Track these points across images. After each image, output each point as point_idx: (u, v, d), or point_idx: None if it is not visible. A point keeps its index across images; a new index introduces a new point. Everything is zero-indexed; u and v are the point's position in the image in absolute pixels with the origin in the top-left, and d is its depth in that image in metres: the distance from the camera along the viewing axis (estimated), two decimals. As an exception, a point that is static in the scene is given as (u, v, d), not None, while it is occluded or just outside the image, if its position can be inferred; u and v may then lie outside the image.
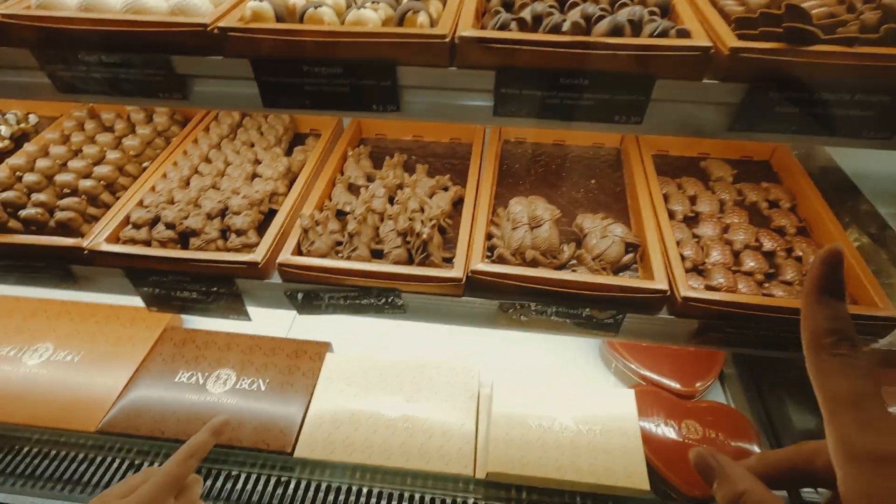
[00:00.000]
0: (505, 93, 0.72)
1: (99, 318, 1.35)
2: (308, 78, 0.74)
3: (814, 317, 0.36)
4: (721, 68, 0.65)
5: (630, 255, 0.93)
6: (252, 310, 1.01)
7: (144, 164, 1.16)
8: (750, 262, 0.93)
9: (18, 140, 1.26)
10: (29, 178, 1.03)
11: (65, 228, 0.96)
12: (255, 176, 1.11)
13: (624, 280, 0.86)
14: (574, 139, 1.26)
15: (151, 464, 1.15)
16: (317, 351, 1.26)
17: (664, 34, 0.67)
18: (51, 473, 1.13)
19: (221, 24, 0.71)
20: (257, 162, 1.14)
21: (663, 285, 0.84)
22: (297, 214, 1.01)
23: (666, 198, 1.06)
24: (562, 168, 1.19)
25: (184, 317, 1.43)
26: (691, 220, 1.04)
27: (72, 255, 0.94)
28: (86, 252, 0.93)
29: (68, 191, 1.04)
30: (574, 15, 0.70)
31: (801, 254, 0.94)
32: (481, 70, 0.71)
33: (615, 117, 0.72)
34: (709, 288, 0.88)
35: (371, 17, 0.72)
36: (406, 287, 0.89)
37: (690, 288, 0.84)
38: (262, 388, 1.18)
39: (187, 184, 1.09)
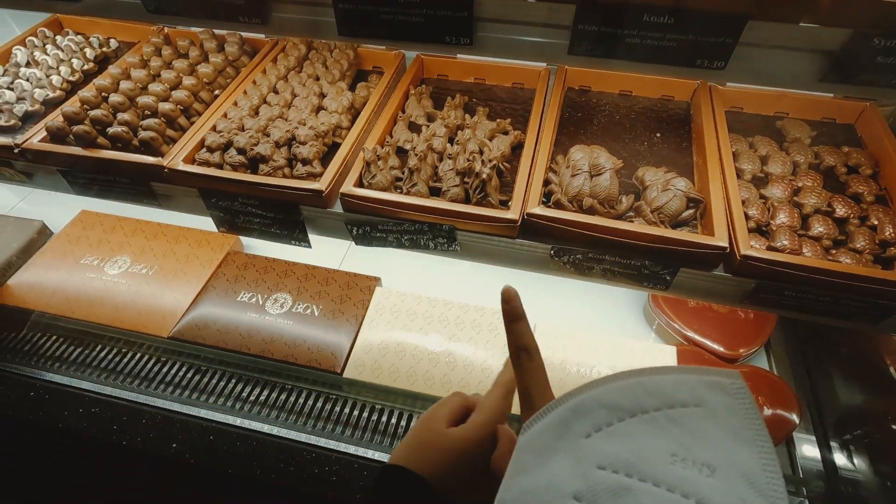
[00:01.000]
0: (583, 29, 0.70)
1: (169, 237, 1.45)
2: (384, 6, 0.74)
3: (508, 337, 0.55)
4: (825, 9, 0.61)
5: (691, 211, 0.91)
6: (311, 238, 1.06)
7: (216, 92, 1.20)
8: (819, 227, 0.90)
9: (101, 63, 1.33)
10: (114, 98, 1.10)
11: (147, 147, 1.03)
12: (320, 108, 1.13)
13: (682, 234, 0.85)
14: (642, 90, 1.21)
15: (215, 372, 1.27)
16: (367, 284, 1.32)
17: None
18: (129, 370, 1.27)
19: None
20: (322, 95, 1.17)
21: (723, 242, 0.82)
22: (360, 148, 1.03)
23: (735, 156, 1.02)
24: (626, 119, 1.15)
25: (245, 242, 1.52)
26: (760, 181, 1.00)
27: (153, 172, 1.01)
28: (166, 171, 0.99)
29: (149, 112, 1.10)
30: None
31: (875, 223, 0.90)
32: (559, 3, 0.69)
33: (697, 61, 0.69)
34: (771, 249, 0.86)
35: (452, -56, 0.70)
36: (462, 225, 0.91)
37: (752, 247, 0.83)
38: (316, 313, 1.26)
39: (256, 112, 1.13)
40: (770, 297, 0.86)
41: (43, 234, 1.52)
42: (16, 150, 1.06)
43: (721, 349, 1.19)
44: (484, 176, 0.91)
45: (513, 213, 0.88)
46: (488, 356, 1.20)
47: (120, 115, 1.06)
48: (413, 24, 0.75)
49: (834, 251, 0.88)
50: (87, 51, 1.32)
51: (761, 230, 0.91)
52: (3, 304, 1.33)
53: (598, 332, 1.22)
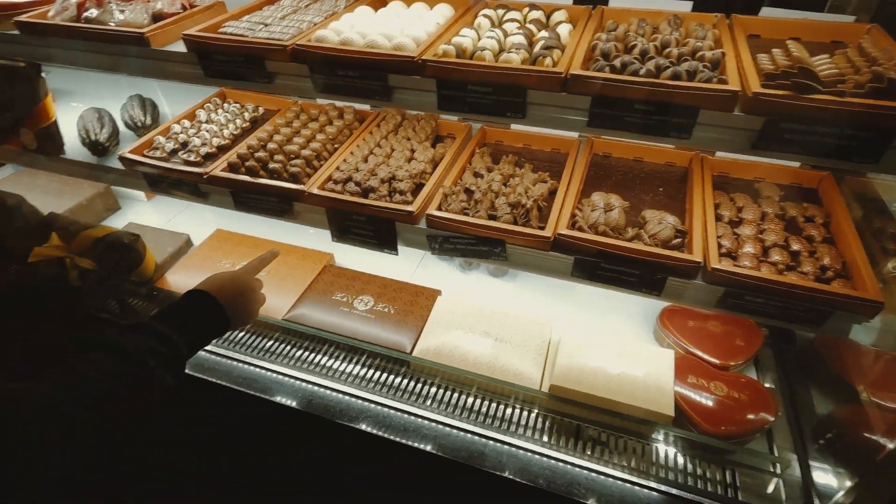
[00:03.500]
0: (596, 111, 1.10)
1: (281, 251, 1.90)
2: (469, 94, 1.18)
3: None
4: (746, 105, 0.99)
5: (679, 240, 1.25)
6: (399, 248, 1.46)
7: (336, 146, 1.68)
8: (776, 256, 1.21)
9: (253, 123, 1.85)
10: (270, 145, 1.59)
11: (294, 178, 1.49)
12: (411, 159, 1.58)
13: (668, 251, 1.19)
14: (651, 157, 1.59)
15: (324, 353, 1.67)
16: (431, 294, 1.70)
17: (709, 80, 1.02)
18: (257, 345, 1.69)
19: (424, 56, 1.17)
20: (412, 150, 1.62)
21: (698, 258, 1.16)
22: (439, 187, 1.45)
23: (718, 206, 1.37)
24: (637, 178, 1.53)
25: (337, 259, 1.94)
26: (736, 224, 1.33)
27: (297, 195, 1.45)
28: (306, 193, 1.44)
29: (294, 155, 1.57)
30: (649, 64, 1.07)
31: (819, 255, 1.20)
32: (584, 95, 1.10)
33: (671, 133, 1.07)
34: (735, 266, 1.18)
35: (514, 58, 1.15)
36: (510, 240, 1.29)
37: (720, 263, 1.15)
38: (392, 311, 1.63)
39: (366, 160, 1.58)
40: (736, 302, 1.16)
41: (187, 244, 2.01)
42: (204, 177, 1.54)
43: (715, 361, 1.46)
44: (528, 205, 1.29)
45: (547, 232, 1.25)
46: (524, 350, 1.53)
47: (276, 157, 1.54)
48: (487, 104, 1.17)
49: (786, 273, 1.19)
50: (245, 114, 1.86)
51: (731, 256, 1.23)
52: (162, 288, 1.79)
53: (612, 342, 1.52)
